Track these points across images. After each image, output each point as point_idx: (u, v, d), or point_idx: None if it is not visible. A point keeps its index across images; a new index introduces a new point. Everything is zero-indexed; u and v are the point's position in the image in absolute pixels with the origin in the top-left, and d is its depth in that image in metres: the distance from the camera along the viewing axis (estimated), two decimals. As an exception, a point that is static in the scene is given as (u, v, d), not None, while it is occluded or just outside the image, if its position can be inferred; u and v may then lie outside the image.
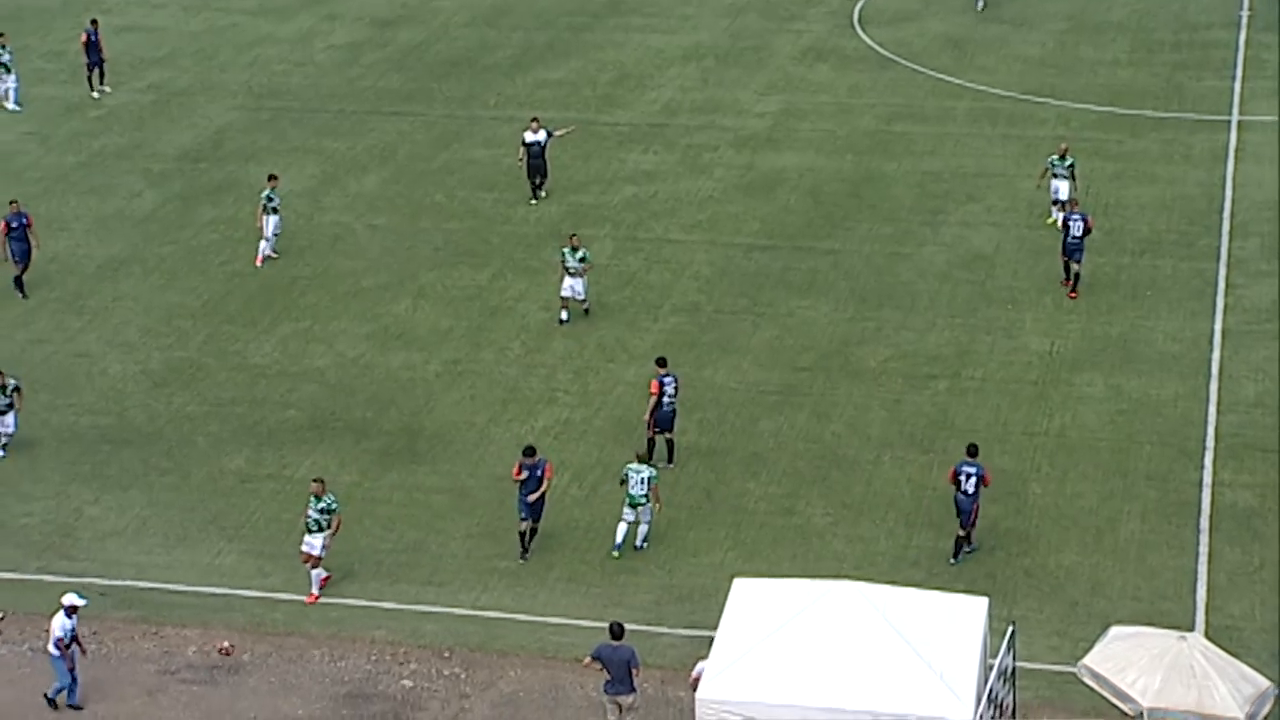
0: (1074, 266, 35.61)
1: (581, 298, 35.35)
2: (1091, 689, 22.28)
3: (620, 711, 23.89)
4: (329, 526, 27.15)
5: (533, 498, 27.86)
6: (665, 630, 26.41)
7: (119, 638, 26.68)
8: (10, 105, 47.64)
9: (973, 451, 27.66)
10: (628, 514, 28.01)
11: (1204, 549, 27.87)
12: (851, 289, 36.60)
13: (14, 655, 26.42)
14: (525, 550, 28.11)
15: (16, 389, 31.12)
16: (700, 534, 28.83)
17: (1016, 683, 23.40)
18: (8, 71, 47.70)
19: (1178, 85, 47.09)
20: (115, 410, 33.02)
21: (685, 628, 26.12)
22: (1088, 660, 22.27)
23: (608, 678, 23.74)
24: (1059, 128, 44.26)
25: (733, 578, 23.89)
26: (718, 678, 21.65)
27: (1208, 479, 29.65)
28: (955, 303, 35.84)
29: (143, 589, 27.88)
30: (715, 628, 22.78)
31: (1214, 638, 24.18)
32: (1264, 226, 38.55)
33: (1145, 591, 26.94)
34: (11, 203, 37.14)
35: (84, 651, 25.22)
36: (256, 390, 33.58)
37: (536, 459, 27.79)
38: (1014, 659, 23.11)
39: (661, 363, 30.77)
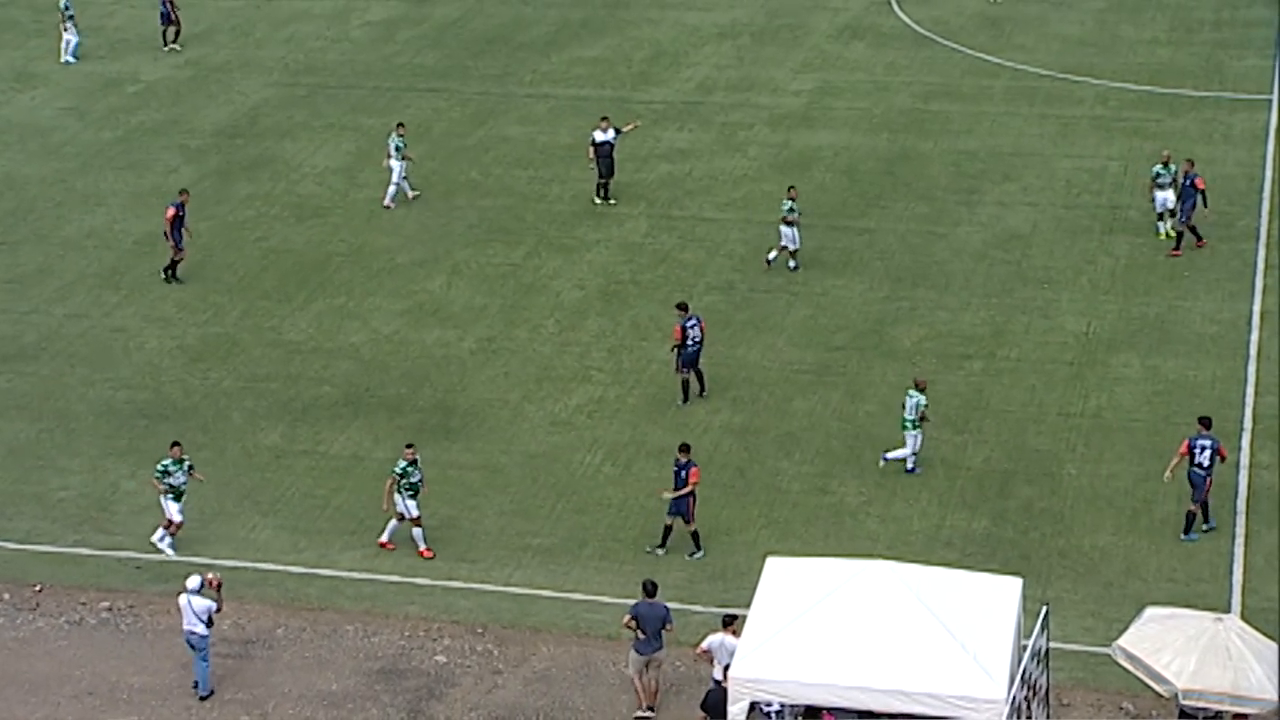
0: (1179, 226, 35.96)
1: (795, 246, 35.93)
2: (1126, 670, 22.17)
3: (646, 669, 24.04)
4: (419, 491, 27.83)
5: (665, 495, 27.77)
6: (698, 609, 26.40)
7: (155, 611, 26.83)
8: (67, 56, 49.00)
9: (1207, 424, 27.39)
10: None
11: (1240, 531, 27.73)
12: (886, 268, 36.47)
13: (51, 628, 26.61)
14: (663, 544, 27.91)
15: (191, 467, 28.74)
16: (733, 512, 28.82)
17: (1050, 663, 23.30)
18: (71, 21, 49.22)
19: (1218, 64, 46.71)
20: (151, 385, 33.17)
21: (718, 606, 26.06)
22: (1122, 641, 22.18)
23: (641, 637, 23.89)
24: (1097, 107, 43.99)
25: (766, 556, 23.85)
26: (750, 656, 21.63)
27: (1245, 461, 29.47)
28: (991, 283, 35.68)
29: (178, 563, 28.01)
30: (748, 606, 22.76)
31: (1250, 620, 24.01)
32: (1304, 207, 38.30)
33: (1181, 573, 26.81)
34: (182, 192, 36.90)
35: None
36: (291, 366, 33.69)
37: (684, 459, 27.56)
38: (1048, 639, 23.01)
39: (683, 307, 31.33)
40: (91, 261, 38.00)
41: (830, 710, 21.86)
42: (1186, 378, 32.01)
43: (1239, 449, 29.76)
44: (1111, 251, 36.77)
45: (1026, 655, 21.85)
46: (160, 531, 28.22)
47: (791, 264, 36.27)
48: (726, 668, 22.37)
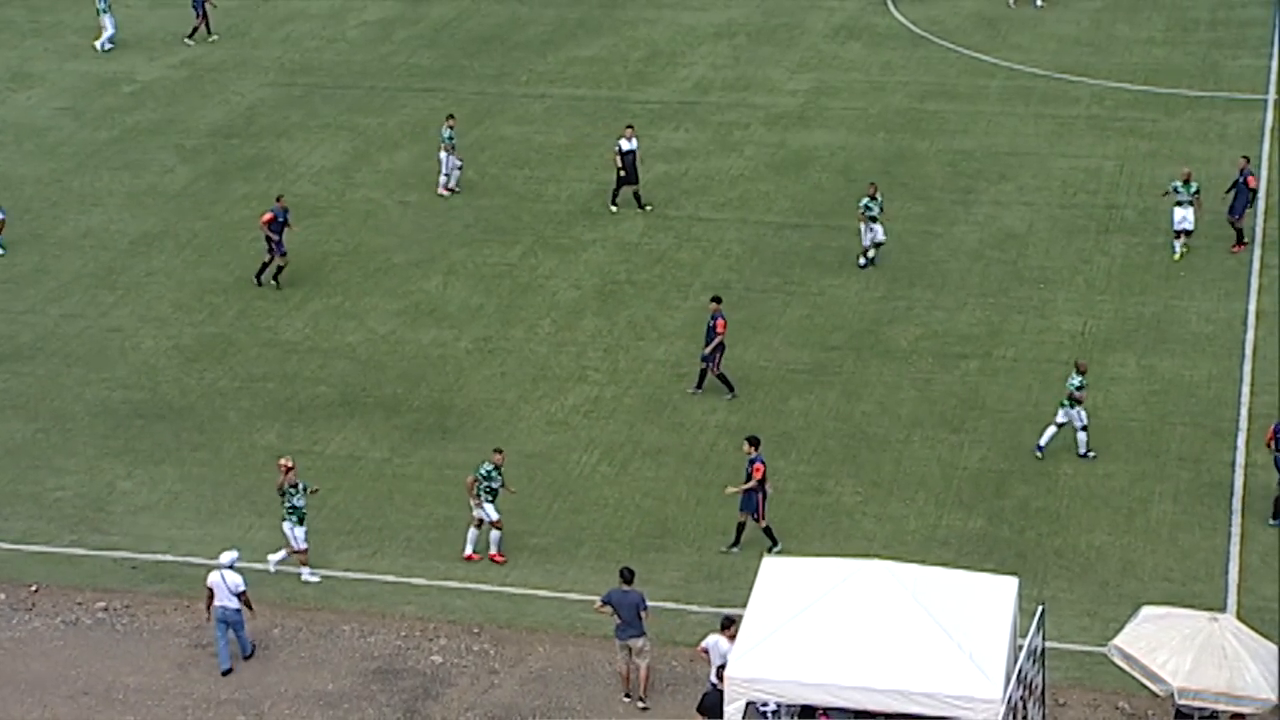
0: (1233, 222, 35.88)
1: (881, 240, 36.06)
2: (1122, 669, 22.18)
3: (631, 655, 24.13)
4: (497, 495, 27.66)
5: (730, 490, 27.75)
6: (694, 608, 26.43)
7: (151, 611, 26.84)
8: (104, 43, 49.97)
9: None
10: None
11: (1236, 530, 27.74)
12: (882, 267, 36.48)
13: (48, 628, 26.60)
14: (736, 542, 27.83)
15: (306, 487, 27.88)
16: (729, 512, 28.80)
17: (1046, 663, 23.32)
18: (109, 11, 49.98)
19: (1213, 64, 46.74)
20: (148, 385, 33.17)
21: (714, 606, 26.10)
22: (1118, 641, 22.19)
23: (619, 622, 24.01)
24: (1093, 106, 44.02)
25: (762, 556, 23.87)
26: (746, 656, 21.63)
27: (1241, 460, 29.50)
28: (987, 282, 35.70)
29: (174, 563, 28.03)
30: (744, 606, 22.76)
31: (1246, 619, 24.06)
32: (1299, 206, 38.33)
33: (1177, 572, 26.83)
34: (278, 198, 36.52)
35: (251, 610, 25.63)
36: (288, 366, 33.69)
37: (751, 453, 27.39)
38: (1044, 639, 23.03)
39: (719, 300, 31.63)
40: (88, 261, 37.98)
41: (827, 710, 21.88)
42: (1182, 377, 32.03)
43: (1235, 448, 29.79)
44: (1107, 251, 36.80)
45: (1023, 655, 21.85)
46: (282, 553, 27.57)
47: (872, 257, 36.24)
48: (720, 669, 22.39)
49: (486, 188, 41.01)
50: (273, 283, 36.32)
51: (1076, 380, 29.40)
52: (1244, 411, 30.85)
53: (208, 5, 50.70)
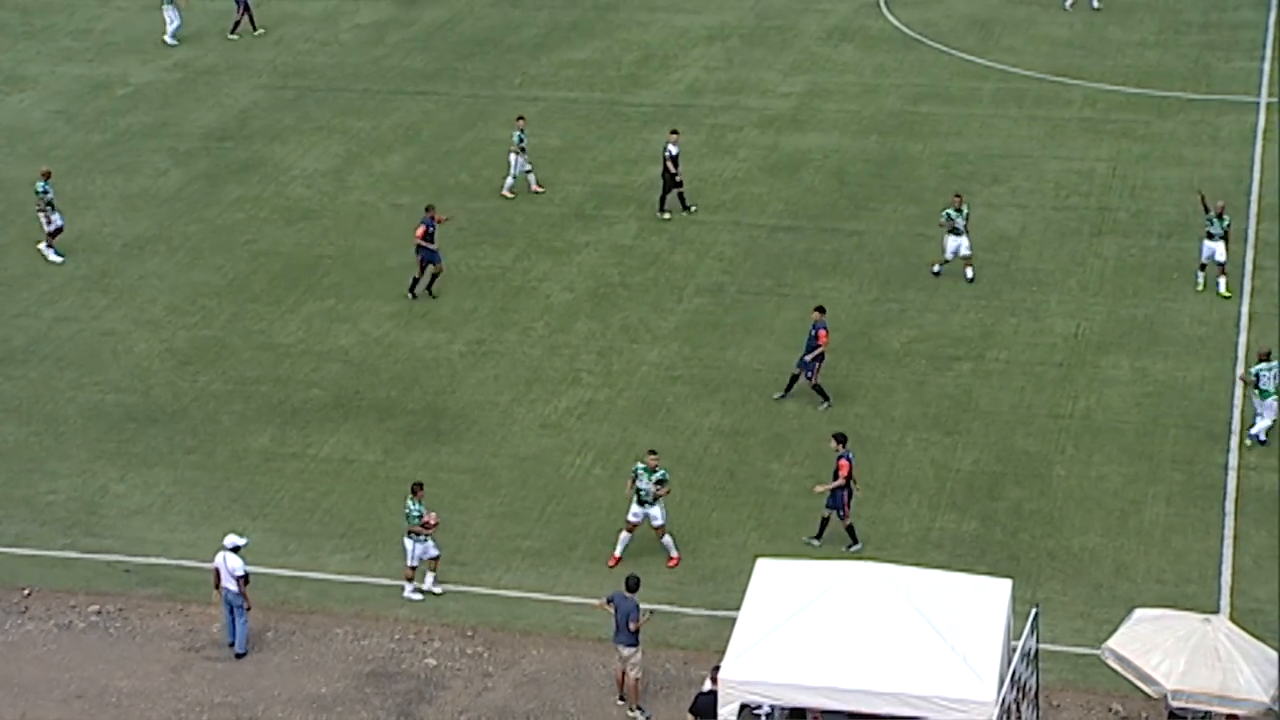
0: None
1: (967, 254, 35.47)
2: (1115, 671, 22.23)
3: (620, 661, 24.22)
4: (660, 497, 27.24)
5: (818, 489, 27.75)
6: (688, 611, 26.44)
7: (144, 615, 26.82)
8: (168, 38, 50.69)
9: None
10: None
11: (1229, 532, 27.78)
12: (876, 270, 36.51)
13: (41, 632, 26.58)
14: (818, 535, 27.89)
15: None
16: (723, 514, 28.84)
17: (1040, 665, 23.35)
18: (173, 3, 50.83)
19: (1206, 66, 46.81)
20: (141, 388, 33.14)
21: (708, 608, 26.12)
22: (1111, 643, 22.23)
23: (615, 625, 24.14)
24: (1085, 109, 44.07)
25: (756, 558, 23.89)
26: (741, 658, 21.65)
27: (1233, 462, 29.53)
28: (980, 284, 35.72)
29: (168, 566, 28.02)
30: (738, 608, 22.78)
31: (1239, 621, 24.09)
32: (1292, 209, 38.37)
33: (1170, 574, 26.86)
34: (428, 208, 36.04)
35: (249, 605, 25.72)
36: (281, 369, 33.67)
37: (838, 450, 27.36)
38: (1037, 641, 23.06)
39: (822, 310, 31.50)
40: (80, 264, 37.94)
41: (821, 712, 21.89)
42: (1175, 379, 32.07)
43: (1228, 450, 29.82)
44: (1100, 253, 36.84)
45: (1016, 657, 21.88)
46: (431, 575, 27.34)
47: (968, 274, 35.66)
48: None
49: (480, 190, 40.99)
50: (427, 293, 35.74)
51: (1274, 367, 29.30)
52: (1236, 414, 30.89)
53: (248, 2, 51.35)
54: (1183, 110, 43.95)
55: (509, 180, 40.18)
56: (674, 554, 27.49)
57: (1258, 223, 37.79)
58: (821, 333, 31.08)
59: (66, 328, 35.40)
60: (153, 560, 28.18)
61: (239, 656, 25.70)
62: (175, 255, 38.26)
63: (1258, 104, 44.16)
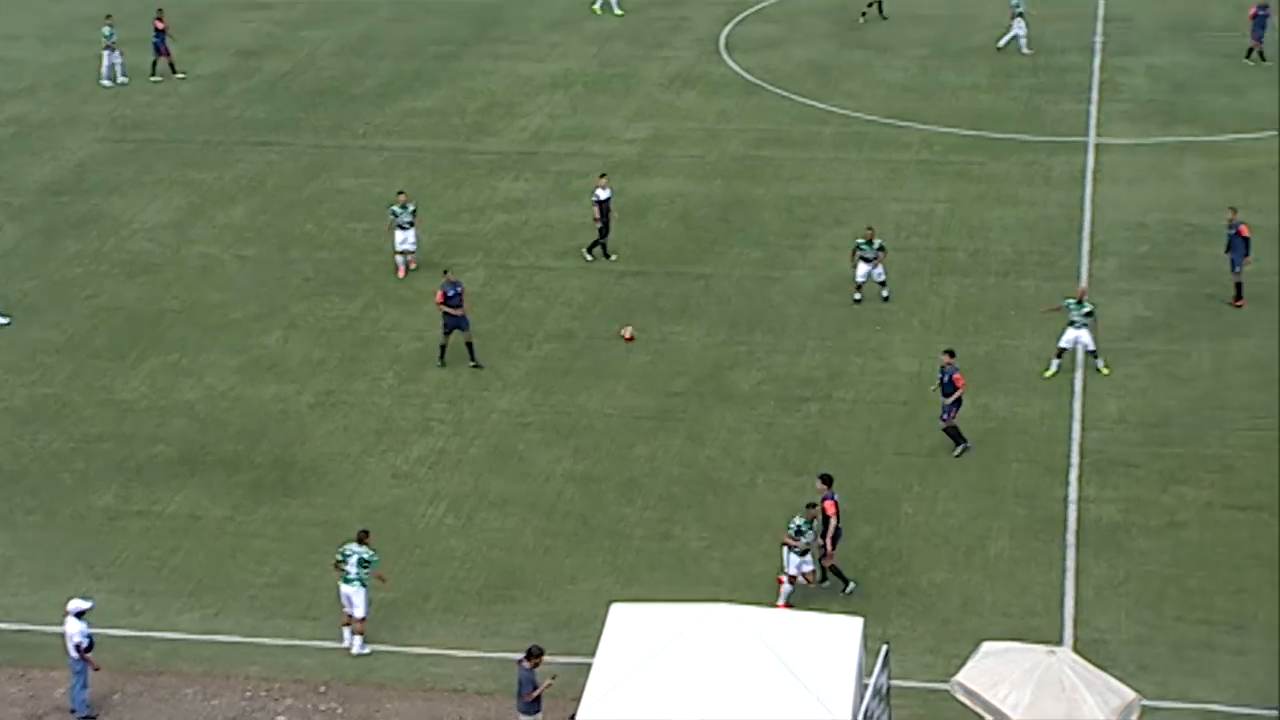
0: (1235, 277, 36.09)
1: (881, 279, 36.83)
2: (965, 705, 22.59)
3: None
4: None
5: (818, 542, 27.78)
6: (545, 658, 26.34)
7: (-14, 682, 26.13)
8: (105, 80, 50.60)
9: None
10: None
11: (1071, 564, 28.39)
12: (723, 313, 36.89)
13: (-125, 703, 25.76)
14: (841, 580, 27.78)
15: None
16: (577, 560, 28.86)
17: (891, 701, 23.68)
18: (112, 50, 50.37)
19: (1036, 109, 48.10)
20: (-22, 449, 32.34)
21: (564, 655, 26.08)
22: (960, 677, 22.60)
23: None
24: (923, 151, 45.02)
25: (610, 603, 23.94)
26: (597, 704, 21.67)
27: (1073, 495, 30.23)
28: (825, 325, 36.26)
29: (9, 631, 27.31)
30: (594, 654, 22.80)
31: (1082, 651, 24.67)
32: (1122, 246, 39.46)
33: (1015, 607, 27.39)
34: (445, 272, 35.10)
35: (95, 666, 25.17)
36: (124, 425, 33.07)
37: (824, 490, 27.43)
38: (889, 678, 23.40)
39: (951, 353, 31.53)
40: (-87, 323, 36.98)
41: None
42: (1016, 415, 32.78)
43: (1068, 484, 30.53)
44: (941, 292, 37.60)
45: (868, 694, 22.18)
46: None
47: (883, 294, 36.97)
48: None
49: (326, 241, 40.73)
50: (470, 363, 34.64)
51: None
52: (1075, 448, 31.64)
53: (168, 41, 50.89)
54: (1016, 151, 45.10)
55: (399, 258, 38.48)
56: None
57: (1090, 260, 38.84)
58: (957, 375, 31.20)
59: (-101, 388, 34.47)
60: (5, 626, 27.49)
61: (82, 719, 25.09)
62: (12, 312, 37.43)
63: (1086, 144, 45.45)
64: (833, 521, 27.32)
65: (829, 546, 27.45)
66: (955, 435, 31.46)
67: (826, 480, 27.68)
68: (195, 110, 48.88)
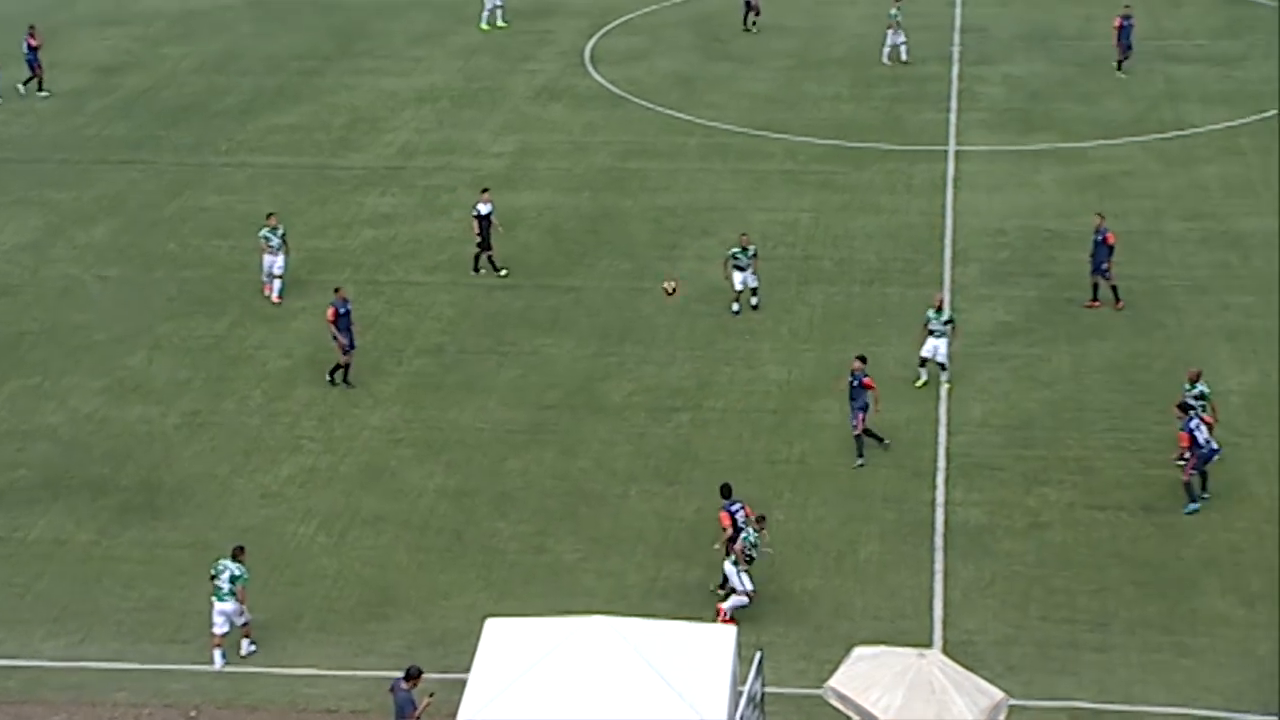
0: (1093, 279, 36.69)
1: (754, 285, 37.21)
2: (838, 710, 22.85)
3: None
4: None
5: (716, 546, 27.91)
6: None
7: None
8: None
9: None
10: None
11: (939, 567, 28.82)
12: (593, 325, 36.99)
13: None
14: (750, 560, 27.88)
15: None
16: (451, 576, 28.77)
17: (766, 708, 23.89)
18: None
19: (897, 118, 48.82)
20: None
21: (439, 672, 25.96)
22: (833, 682, 22.85)
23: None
24: (787, 161, 45.50)
25: (484, 619, 23.90)
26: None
27: (940, 498, 30.69)
28: (695, 335, 36.50)
29: None
30: (468, 670, 22.76)
31: (951, 653, 25.05)
32: (982, 253, 40.15)
33: (886, 611, 27.74)
34: (336, 290, 34.55)
35: None
36: (-16, 451, 32.41)
37: (724, 504, 27.74)
38: (763, 685, 23.60)
39: (863, 359, 31.94)
40: None
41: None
42: (883, 420, 33.17)
43: (935, 487, 31.00)
44: (808, 301, 38.01)
45: (743, 701, 22.36)
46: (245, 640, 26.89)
47: (753, 301, 37.28)
48: None
49: (190, 259, 40.22)
50: (344, 384, 34.27)
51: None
52: (941, 452, 32.13)
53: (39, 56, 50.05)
54: (878, 160, 45.73)
55: (276, 283, 37.95)
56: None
57: (953, 266, 39.49)
58: (867, 380, 31.47)
59: None
60: None
61: None
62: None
63: (946, 152, 46.22)
64: (728, 532, 27.60)
65: (726, 551, 27.80)
66: (862, 443, 31.70)
67: (723, 492, 28.04)
68: (52, 128, 48.03)
